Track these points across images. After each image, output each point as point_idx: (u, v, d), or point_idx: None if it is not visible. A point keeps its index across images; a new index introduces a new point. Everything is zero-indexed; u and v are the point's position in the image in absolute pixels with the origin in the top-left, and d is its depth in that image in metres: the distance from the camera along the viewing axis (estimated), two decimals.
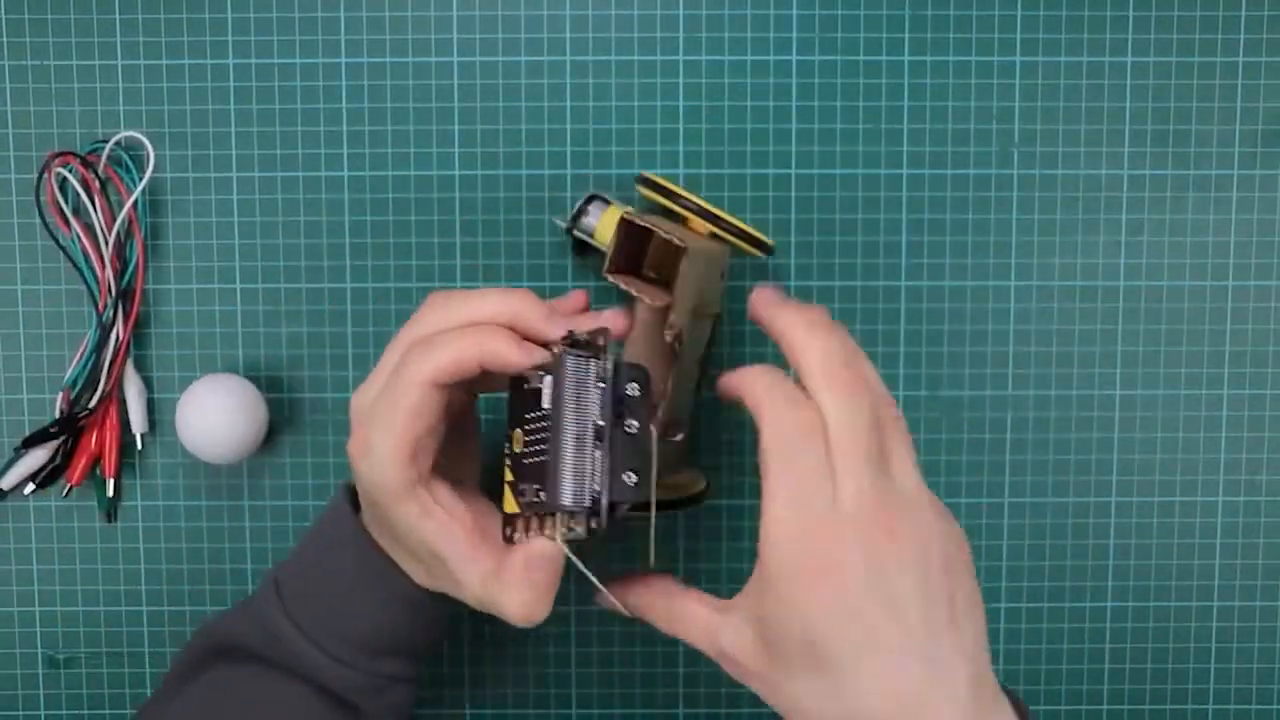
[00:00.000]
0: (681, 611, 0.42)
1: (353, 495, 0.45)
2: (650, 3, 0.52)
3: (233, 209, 0.53)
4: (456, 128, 0.53)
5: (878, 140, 0.53)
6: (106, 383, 0.52)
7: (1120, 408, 0.54)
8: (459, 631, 0.55)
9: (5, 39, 0.52)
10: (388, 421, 0.41)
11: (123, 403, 0.53)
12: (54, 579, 0.54)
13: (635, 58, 0.52)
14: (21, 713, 0.55)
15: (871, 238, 0.53)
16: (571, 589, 0.55)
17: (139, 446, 0.53)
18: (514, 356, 0.40)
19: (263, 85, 0.52)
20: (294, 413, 0.54)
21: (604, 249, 0.48)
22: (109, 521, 0.54)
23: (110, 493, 0.53)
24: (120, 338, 0.52)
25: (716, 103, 0.52)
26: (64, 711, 0.55)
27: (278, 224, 0.53)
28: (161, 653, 0.55)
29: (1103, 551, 0.54)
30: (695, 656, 0.54)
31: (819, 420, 0.38)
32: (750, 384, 0.40)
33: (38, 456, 0.52)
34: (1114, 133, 0.53)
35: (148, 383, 0.53)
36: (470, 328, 0.41)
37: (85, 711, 0.55)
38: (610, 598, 0.43)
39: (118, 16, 0.52)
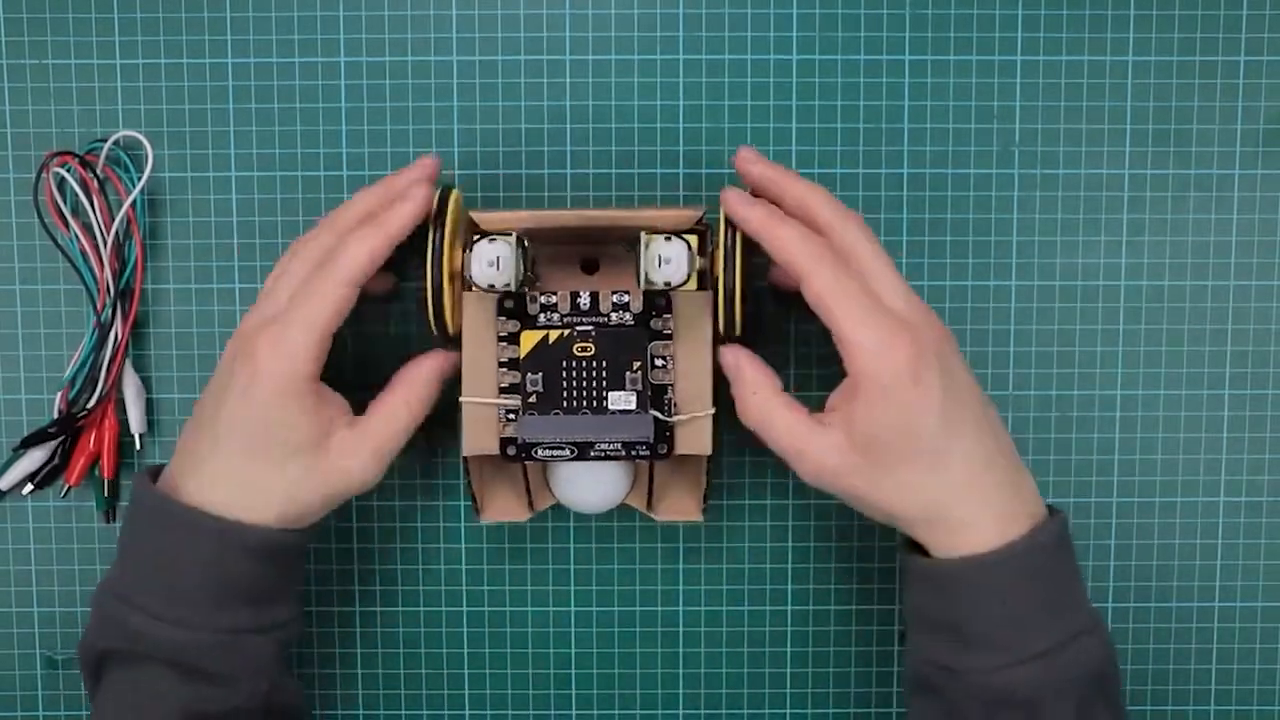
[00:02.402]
0: (774, 415, 0.46)
1: (150, 476, 0.47)
2: (650, 3, 0.52)
3: (232, 209, 0.53)
4: (456, 128, 0.52)
5: (878, 140, 0.53)
6: (105, 383, 0.52)
7: (1120, 408, 0.54)
8: (458, 632, 0.55)
9: (4, 38, 0.52)
10: (312, 318, 0.44)
11: (121, 403, 0.53)
12: (53, 579, 0.54)
13: (635, 57, 0.52)
14: (20, 713, 0.55)
15: None
16: (572, 591, 0.55)
17: (138, 446, 0.53)
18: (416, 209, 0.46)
19: (261, 85, 0.52)
20: None
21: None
22: (108, 522, 0.54)
23: (107, 493, 0.53)
24: (119, 337, 0.52)
25: (717, 103, 0.52)
26: (63, 712, 0.55)
27: (277, 224, 0.53)
28: None
29: (1103, 551, 0.54)
30: (695, 657, 0.55)
31: (841, 253, 0.45)
32: (784, 245, 0.45)
33: (36, 457, 0.52)
34: (1114, 132, 0.53)
35: (147, 383, 0.53)
36: (371, 225, 0.46)
37: (84, 712, 0.55)
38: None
39: (116, 16, 0.52)
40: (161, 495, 0.45)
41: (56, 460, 0.53)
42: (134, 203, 0.51)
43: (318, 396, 0.45)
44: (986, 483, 0.45)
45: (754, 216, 0.45)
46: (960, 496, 0.44)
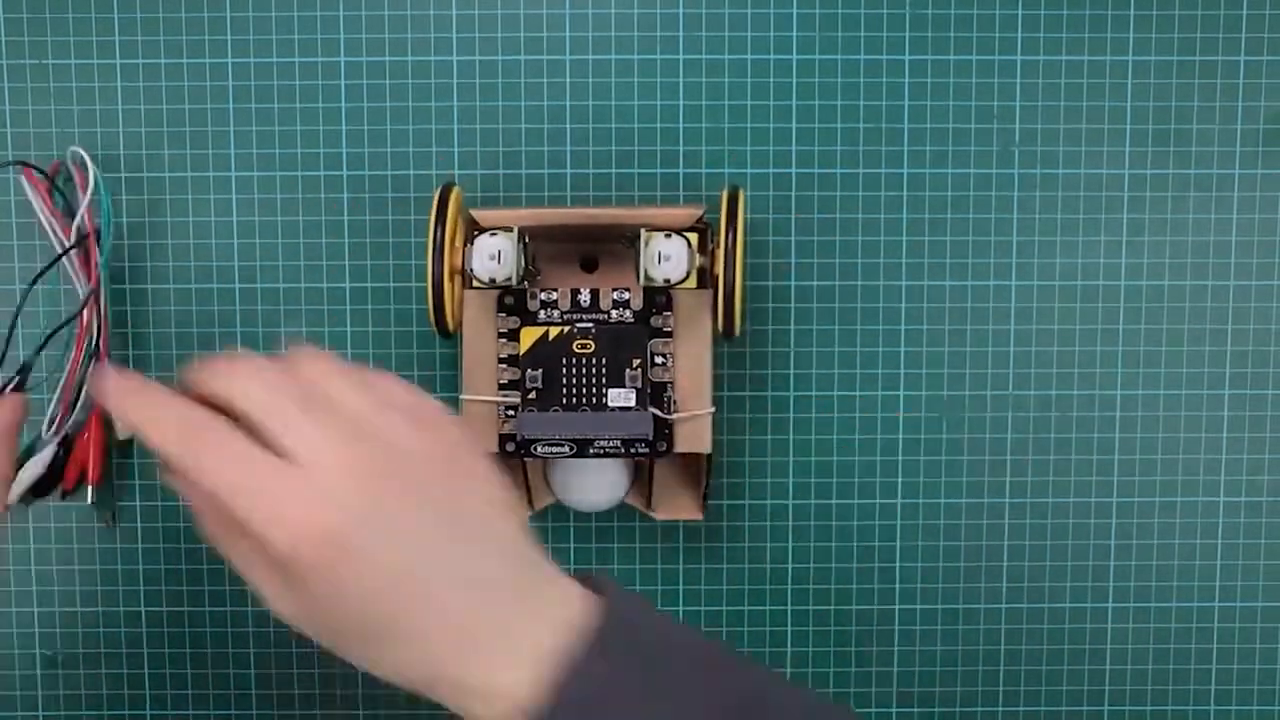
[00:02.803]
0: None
1: None
2: (650, 2, 0.52)
3: (232, 209, 0.53)
4: (456, 128, 0.52)
5: (878, 140, 0.53)
6: (86, 390, 0.51)
7: (1120, 408, 0.54)
8: None
9: (4, 38, 0.52)
10: None
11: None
12: (53, 579, 0.54)
13: (635, 57, 0.52)
14: (20, 713, 0.55)
15: (871, 238, 0.53)
16: None
17: (135, 446, 0.53)
18: None
19: (261, 85, 0.52)
20: None
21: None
22: (108, 525, 0.54)
23: (92, 500, 0.53)
24: (93, 343, 0.51)
25: (717, 102, 0.52)
26: (63, 712, 0.55)
27: (277, 224, 0.53)
28: (160, 653, 0.55)
29: (1103, 551, 0.54)
30: None
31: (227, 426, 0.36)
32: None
33: (33, 470, 0.52)
34: (1114, 132, 0.53)
35: None
36: None
37: (84, 712, 0.55)
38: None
39: (116, 16, 0.52)
40: None
41: (51, 471, 0.52)
42: (92, 211, 0.50)
43: None
44: (488, 638, 0.36)
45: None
46: (458, 658, 0.36)
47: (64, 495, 0.52)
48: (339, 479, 0.35)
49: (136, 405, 0.38)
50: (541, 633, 0.36)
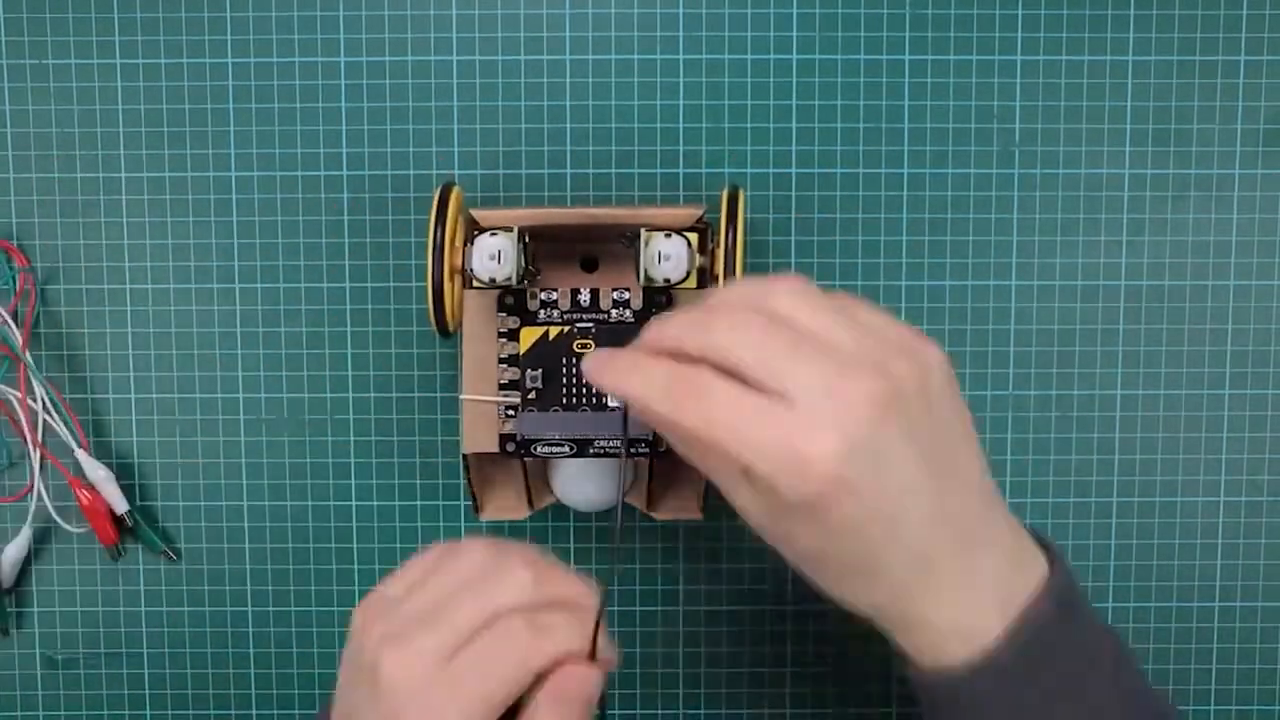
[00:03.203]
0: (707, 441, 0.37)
1: None
2: (650, 2, 0.52)
3: (232, 209, 0.53)
4: (456, 127, 0.52)
5: (878, 140, 0.53)
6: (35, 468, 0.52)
7: (1120, 408, 0.54)
8: None
9: (4, 38, 0.52)
10: (473, 694, 0.36)
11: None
12: (53, 579, 0.54)
13: (635, 57, 0.52)
14: (20, 713, 0.55)
15: (872, 238, 0.53)
16: None
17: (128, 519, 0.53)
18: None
19: (262, 85, 0.52)
20: (292, 413, 0.54)
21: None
22: (114, 560, 0.54)
23: (113, 558, 0.54)
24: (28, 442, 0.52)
25: (717, 102, 0.52)
26: (63, 712, 0.55)
27: (277, 224, 0.53)
28: (160, 653, 0.55)
29: (1104, 552, 0.54)
30: (695, 657, 0.54)
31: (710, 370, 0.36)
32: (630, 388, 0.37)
33: (21, 544, 0.53)
34: (1114, 132, 0.53)
35: (147, 383, 0.53)
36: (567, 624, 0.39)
37: (84, 712, 0.55)
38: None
39: (116, 16, 0.52)
40: None
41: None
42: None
43: None
44: (972, 580, 0.37)
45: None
46: (940, 608, 0.37)
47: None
48: (836, 414, 0.35)
49: (618, 373, 0.37)
50: (1008, 579, 0.37)
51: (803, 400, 0.35)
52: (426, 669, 0.36)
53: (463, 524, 0.54)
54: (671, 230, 0.46)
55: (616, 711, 0.55)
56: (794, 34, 0.52)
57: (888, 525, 0.36)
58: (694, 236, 0.46)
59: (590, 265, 0.49)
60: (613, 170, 0.53)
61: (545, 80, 0.52)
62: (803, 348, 0.36)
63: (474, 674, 0.36)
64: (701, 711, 0.55)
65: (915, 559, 0.36)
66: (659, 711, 0.55)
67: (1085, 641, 0.38)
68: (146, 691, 0.55)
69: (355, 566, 0.54)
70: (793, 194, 0.53)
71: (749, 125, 0.52)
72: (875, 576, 0.37)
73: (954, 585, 0.37)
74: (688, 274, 0.46)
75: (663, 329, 0.38)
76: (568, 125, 0.53)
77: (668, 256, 0.45)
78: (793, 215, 0.53)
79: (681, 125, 0.52)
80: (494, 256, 0.45)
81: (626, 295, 0.48)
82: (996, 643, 0.37)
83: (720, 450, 0.35)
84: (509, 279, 0.46)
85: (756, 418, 0.35)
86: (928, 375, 0.37)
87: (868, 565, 0.36)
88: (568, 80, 0.52)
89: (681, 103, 0.52)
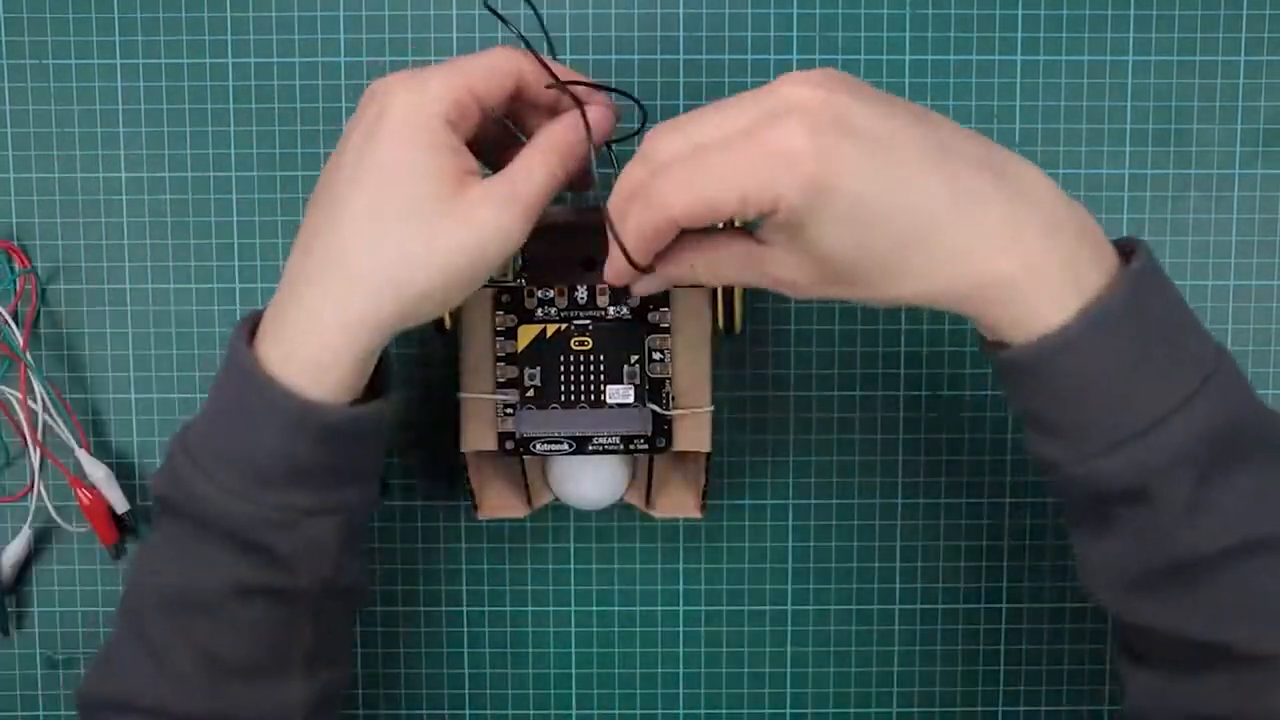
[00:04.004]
0: (723, 255, 0.40)
1: (249, 328, 0.42)
2: (650, 3, 0.52)
3: (232, 209, 0.53)
4: None
5: None
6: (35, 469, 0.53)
7: None
8: (458, 631, 0.55)
9: (4, 38, 0.52)
10: (459, 73, 0.40)
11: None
12: (53, 579, 0.54)
13: (635, 57, 0.52)
14: (20, 713, 0.55)
15: None
16: (572, 591, 0.55)
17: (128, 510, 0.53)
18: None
19: (262, 85, 0.52)
20: None
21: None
22: (115, 560, 0.54)
23: (116, 557, 0.54)
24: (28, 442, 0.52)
25: None
26: (63, 712, 0.55)
27: (277, 224, 0.53)
28: None
29: None
30: (695, 656, 0.54)
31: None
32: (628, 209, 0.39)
33: (20, 546, 0.53)
34: (1114, 132, 0.53)
35: (148, 383, 0.53)
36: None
37: None
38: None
39: (116, 16, 0.52)
40: (248, 361, 0.40)
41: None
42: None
43: (453, 144, 0.40)
44: (1024, 224, 0.37)
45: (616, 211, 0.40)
46: (977, 265, 0.37)
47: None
48: (783, 113, 0.36)
49: (625, 234, 0.39)
50: (1073, 249, 0.37)
51: (751, 125, 0.37)
52: (408, 72, 0.40)
53: (463, 523, 0.54)
54: None
55: (615, 712, 0.55)
56: (794, 34, 0.52)
57: (893, 178, 0.36)
58: None
59: (589, 264, 0.49)
60: (614, 170, 0.52)
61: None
62: (725, 107, 0.38)
63: (445, 68, 0.40)
64: (701, 711, 0.55)
65: (951, 203, 0.36)
66: (659, 711, 0.55)
67: (1165, 318, 0.38)
68: None
69: None
70: None
71: None
72: (925, 245, 0.37)
73: (1005, 236, 0.37)
74: None
75: (615, 192, 0.40)
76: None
77: None
78: None
79: None
80: None
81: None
82: (1060, 325, 0.37)
83: (717, 205, 0.37)
84: (505, 275, 0.46)
85: (725, 158, 0.37)
86: (904, 103, 0.38)
87: (912, 235, 0.37)
88: None
89: (681, 103, 0.52)
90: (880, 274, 0.38)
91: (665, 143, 0.38)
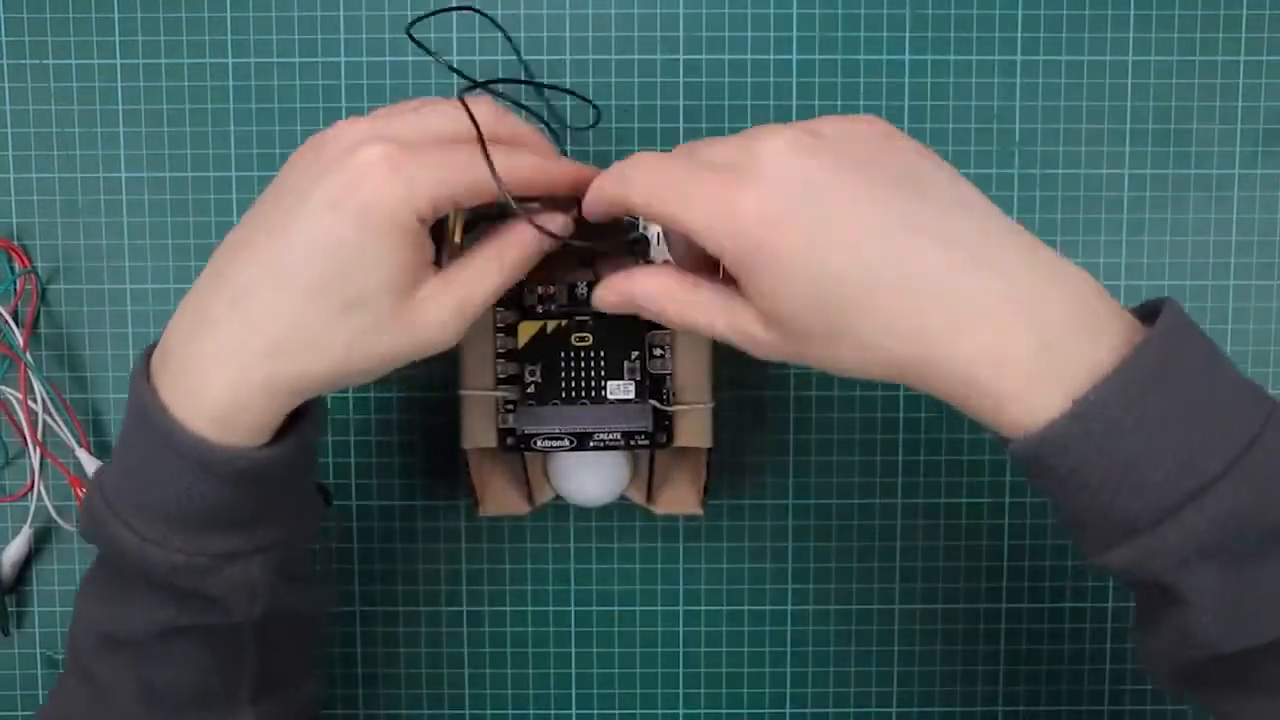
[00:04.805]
0: (703, 297, 0.40)
1: (145, 361, 0.40)
2: (650, 3, 0.52)
3: (232, 209, 0.53)
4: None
5: None
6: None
7: None
8: (458, 631, 0.55)
9: (4, 38, 0.52)
10: (444, 169, 0.38)
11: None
12: (53, 579, 0.54)
13: (635, 57, 0.52)
14: (20, 713, 0.55)
15: None
16: (572, 591, 0.55)
17: None
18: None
19: (262, 85, 0.52)
20: None
21: None
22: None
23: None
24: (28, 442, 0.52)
25: (717, 102, 0.52)
26: None
27: None
28: None
29: None
30: (695, 656, 0.55)
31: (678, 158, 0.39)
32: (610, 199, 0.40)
33: (20, 546, 0.54)
34: (1114, 132, 0.53)
35: None
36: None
37: None
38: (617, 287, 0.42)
39: (116, 16, 0.52)
40: (149, 403, 0.38)
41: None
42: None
43: (420, 238, 0.38)
44: (990, 308, 0.34)
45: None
46: (931, 348, 0.35)
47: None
48: (753, 163, 0.36)
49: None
50: (1065, 326, 0.35)
51: (722, 163, 0.37)
52: (392, 150, 0.37)
53: (463, 521, 0.54)
54: None
55: (615, 712, 0.55)
56: (794, 34, 0.52)
57: (838, 250, 0.35)
58: None
59: (589, 260, 0.49)
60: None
61: (545, 80, 0.52)
62: (713, 142, 0.39)
63: (430, 161, 0.38)
64: (701, 711, 0.55)
65: (896, 281, 0.35)
66: (659, 711, 0.55)
67: (1190, 389, 0.34)
68: None
69: (355, 566, 0.54)
70: None
71: (749, 125, 0.52)
72: (870, 318, 0.35)
73: (981, 321, 0.34)
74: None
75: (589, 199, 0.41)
76: (568, 125, 0.53)
77: (665, 238, 0.45)
78: None
79: (682, 125, 0.52)
80: None
81: None
82: (1059, 413, 0.34)
83: (666, 219, 0.37)
84: None
85: (688, 184, 0.37)
86: (879, 128, 0.38)
87: (854, 306, 0.35)
88: (567, 80, 0.52)
89: (681, 103, 0.52)
90: (828, 339, 0.36)
91: (655, 156, 0.40)
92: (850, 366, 0.37)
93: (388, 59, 0.52)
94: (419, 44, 0.46)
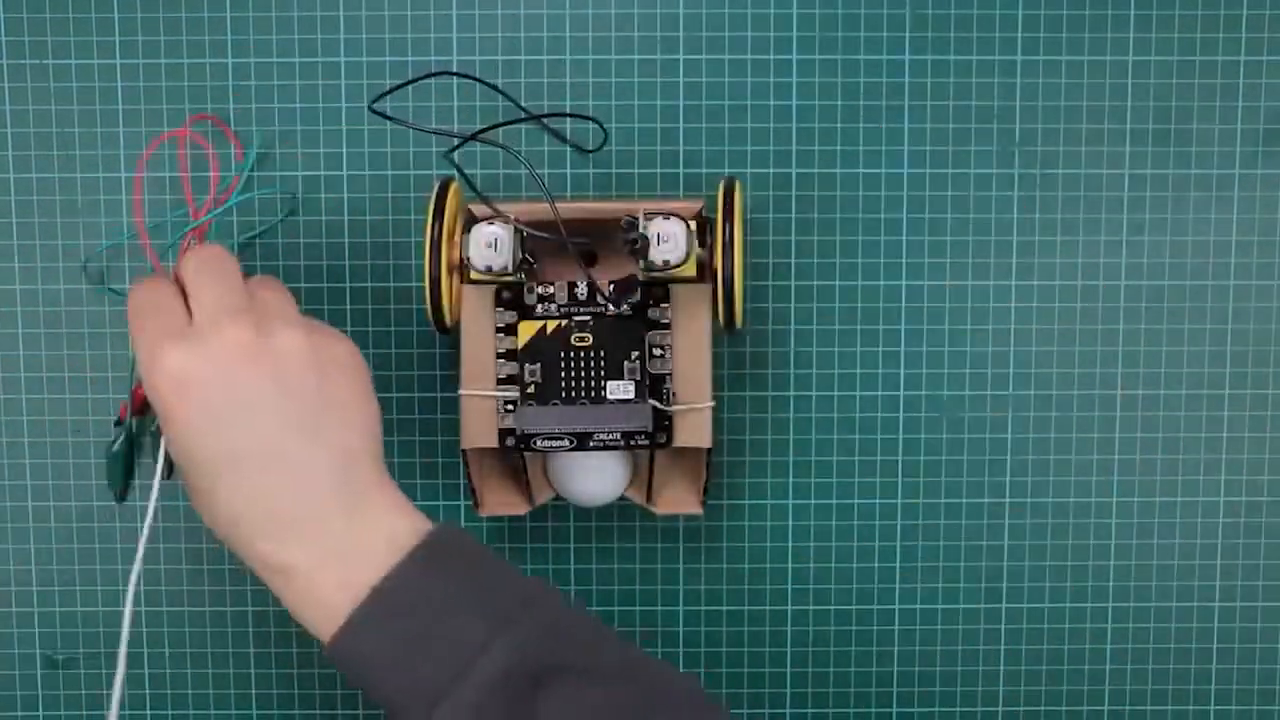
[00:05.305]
0: None
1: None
2: (650, 2, 0.52)
3: (232, 209, 0.53)
4: (456, 127, 0.52)
5: (878, 140, 0.53)
6: None
7: (1120, 408, 0.54)
8: None
9: (4, 38, 0.52)
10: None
11: None
12: (53, 579, 0.54)
13: (635, 57, 0.52)
14: (20, 713, 0.55)
15: (872, 238, 0.53)
16: (572, 591, 0.55)
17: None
18: None
19: (262, 85, 0.52)
20: None
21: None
22: (119, 501, 0.53)
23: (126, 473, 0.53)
24: None
25: (716, 102, 0.52)
26: (63, 712, 0.55)
27: (277, 224, 0.53)
28: (161, 653, 0.54)
29: (1103, 551, 0.54)
30: (695, 656, 0.55)
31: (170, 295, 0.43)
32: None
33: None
34: (1114, 132, 0.53)
35: None
36: None
37: (84, 712, 0.55)
38: None
39: (116, 16, 0.52)
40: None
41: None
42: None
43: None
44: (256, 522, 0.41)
45: None
46: (245, 547, 0.42)
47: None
48: (206, 334, 0.41)
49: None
50: (357, 531, 0.41)
51: (196, 324, 0.42)
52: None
53: (463, 521, 0.54)
54: (670, 213, 0.46)
55: None
56: (794, 34, 0.52)
57: (234, 446, 0.40)
58: (692, 221, 0.46)
59: (589, 260, 0.49)
60: (613, 170, 0.53)
61: (545, 80, 0.52)
62: (220, 283, 0.42)
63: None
64: None
65: (264, 494, 0.41)
66: None
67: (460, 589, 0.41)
68: (147, 691, 0.55)
69: None
70: (793, 194, 0.53)
71: (749, 125, 0.52)
72: (229, 501, 0.41)
73: (301, 532, 0.41)
74: (687, 255, 0.46)
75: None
76: (568, 126, 0.53)
77: (665, 238, 0.45)
78: (793, 215, 0.53)
79: (681, 125, 0.52)
80: (491, 244, 0.46)
81: None
82: (347, 593, 0.40)
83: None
84: (505, 267, 0.46)
85: (155, 316, 0.42)
86: (329, 358, 0.42)
87: (225, 481, 0.41)
88: (567, 80, 0.52)
89: (681, 103, 0.52)
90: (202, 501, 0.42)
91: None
92: (207, 514, 0.43)
93: (388, 59, 0.52)
94: (386, 116, 0.47)
